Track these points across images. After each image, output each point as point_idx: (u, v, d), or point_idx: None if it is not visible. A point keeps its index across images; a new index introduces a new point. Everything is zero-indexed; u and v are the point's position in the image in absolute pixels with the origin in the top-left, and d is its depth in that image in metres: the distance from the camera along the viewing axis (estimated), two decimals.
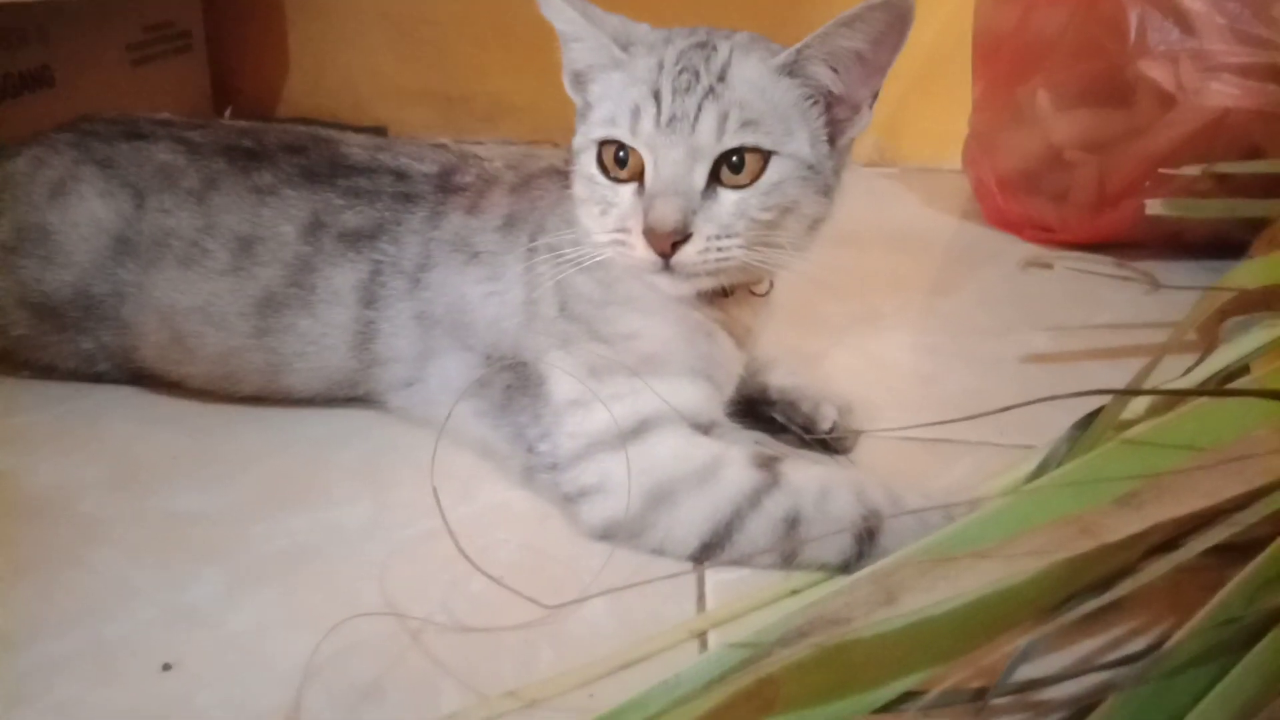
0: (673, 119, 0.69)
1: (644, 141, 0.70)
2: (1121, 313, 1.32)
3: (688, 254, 0.69)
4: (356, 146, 0.93)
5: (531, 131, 2.15)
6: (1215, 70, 1.42)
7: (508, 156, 0.93)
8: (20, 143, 0.96)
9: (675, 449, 0.74)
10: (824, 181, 0.73)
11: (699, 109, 0.69)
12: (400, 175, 0.90)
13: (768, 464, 0.72)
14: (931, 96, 2.04)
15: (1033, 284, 1.44)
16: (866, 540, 0.69)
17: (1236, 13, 1.41)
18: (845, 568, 0.69)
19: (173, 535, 0.73)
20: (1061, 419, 0.97)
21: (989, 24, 1.76)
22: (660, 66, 0.71)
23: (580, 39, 0.75)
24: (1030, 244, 1.63)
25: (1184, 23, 1.44)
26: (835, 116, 0.73)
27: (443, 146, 0.95)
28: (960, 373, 1.09)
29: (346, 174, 0.89)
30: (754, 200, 0.70)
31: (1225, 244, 1.45)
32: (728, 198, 0.70)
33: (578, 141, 0.76)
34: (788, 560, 0.70)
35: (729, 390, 0.83)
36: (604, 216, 0.73)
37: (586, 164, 0.74)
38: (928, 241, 1.66)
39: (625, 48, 0.73)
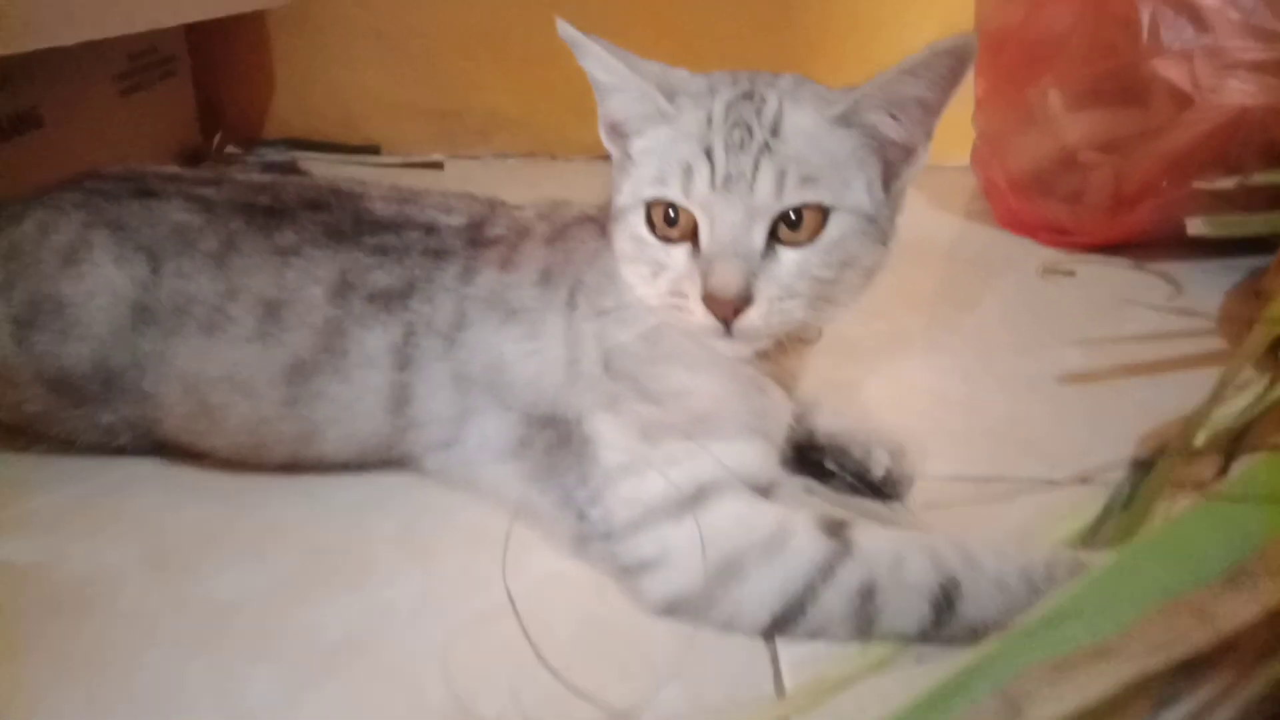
0: (728, 178, 0.66)
1: (698, 202, 0.67)
2: (1148, 321, 1.30)
3: (751, 319, 0.66)
4: (380, 200, 0.89)
5: (527, 145, 2.11)
6: (1231, 68, 1.40)
7: (538, 205, 0.89)
8: (19, 199, 0.92)
9: (739, 516, 0.71)
10: (881, 229, 0.70)
11: (756, 167, 0.66)
12: (429, 229, 0.86)
13: (837, 530, 0.70)
14: None
15: (1054, 291, 1.42)
16: (945, 608, 0.66)
17: (1250, 7, 1.39)
18: (923, 637, 0.67)
19: (220, 627, 0.69)
20: (1108, 445, 0.96)
21: (992, 21, 1.73)
22: (709, 120, 0.68)
23: (623, 89, 0.71)
24: (1045, 247, 1.61)
25: (1197, 19, 1.42)
26: (889, 158, 0.71)
27: (471, 197, 0.91)
28: (997, 396, 1.07)
29: (372, 230, 0.86)
30: (815, 258, 0.67)
31: (1243, 241, 1.44)
32: (788, 257, 0.67)
33: (623, 200, 0.73)
34: (863, 632, 0.67)
35: (780, 442, 0.81)
36: (656, 279, 0.70)
37: (634, 223, 0.71)
38: (941, 247, 1.64)
39: (670, 98, 0.70)
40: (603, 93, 0.74)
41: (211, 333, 0.84)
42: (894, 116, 0.68)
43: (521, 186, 1.93)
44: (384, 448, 0.86)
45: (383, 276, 0.84)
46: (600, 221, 0.83)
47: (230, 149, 1.98)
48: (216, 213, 0.88)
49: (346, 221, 0.87)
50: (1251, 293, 1.30)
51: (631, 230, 0.71)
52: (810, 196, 0.66)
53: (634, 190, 0.71)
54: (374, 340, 0.83)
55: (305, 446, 0.85)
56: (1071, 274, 1.46)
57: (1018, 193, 1.66)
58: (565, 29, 0.69)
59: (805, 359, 0.84)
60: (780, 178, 0.66)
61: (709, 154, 0.67)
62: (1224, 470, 0.85)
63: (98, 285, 0.85)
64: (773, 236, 0.68)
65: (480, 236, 0.86)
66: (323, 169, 1.93)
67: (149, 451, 0.89)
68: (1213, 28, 1.41)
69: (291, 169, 1.87)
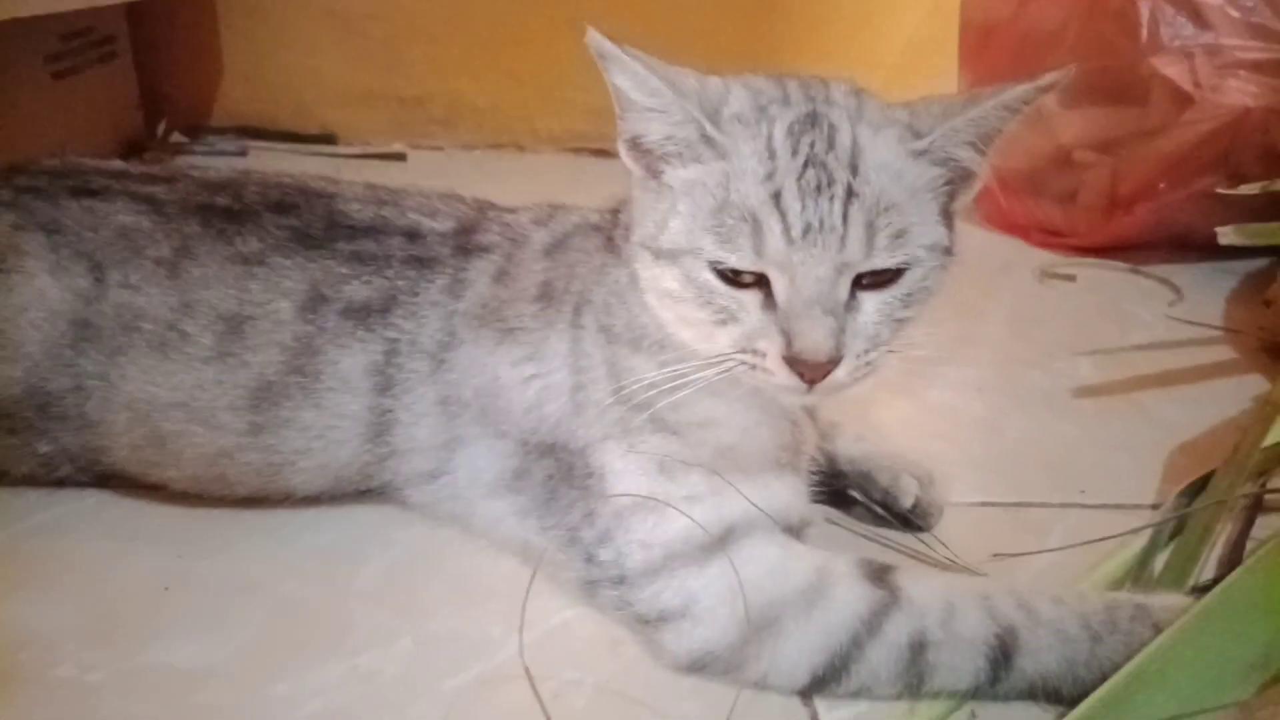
0: (808, 229, 0.57)
1: (772, 261, 0.58)
2: (1153, 328, 1.26)
3: (839, 377, 0.58)
4: (355, 201, 0.79)
5: (494, 136, 2.01)
6: (1232, 67, 1.36)
7: (534, 210, 0.80)
8: None
9: (772, 562, 0.64)
10: (949, 256, 0.63)
11: (845, 219, 0.57)
12: (411, 235, 0.77)
13: (881, 577, 0.63)
14: (912, 88, 1.96)
15: (1054, 297, 1.38)
16: (1002, 661, 0.60)
17: (1251, 6, 1.36)
18: (977, 693, 0.61)
19: (180, 705, 0.60)
20: (1134, 464, 0.91)
21: (978, 15, 1.68)
22: (770, 152, 0.58)
23: (662, 112, 0.61)
24: (1038, 249, 1.56)
25: (1197, 17, 1.38)
26: (954, 181, 0.63)
27: (457, 197, 0.82)
28: (1016, 415, 1.01)
29: (348, 236, 0.77)
30: (897, 301, 0.60)
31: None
32: (869, 303, 0.59)
33: (672, 240, 0.61)
34: (912, 690, 0.61)
35: (807, 475, 0.74)
36: (722, 328, 0.60)
37: (693, 268, 0.60)
38: None
39: (715, 121, 0.60)
40: (633, 112, 0.62)
41: (164, 352, 0.74)
42: (977, 149, 0.61)
43: (489, 181, 1.83)
44: (360, 479, 0.77)
45: (360, 289, 0.75)
46: (604, 230, 0.75)
47: (175, 138, 1.85)
48: (168, 214, 0.78)
49: (318, 225, 0.77)
50: (1260, 301, 1.26)
51: (688, 274, 0.60)
52: (902, 256, 0.58)
53: (688, 234, 0.60)
54: (350, 361, 0.74)
55: (272, 479, 0.76)
56: (1072, 279, 1.41)
57: (1008, 192, 1.61)
58: (596, 40, 0.59)
59: None
60: (870, 231, 0.57)
61: (777, 200, 0.57)
62: (1261, 497, 0.80)
63: (30, 298, 0.74)
64: (853, 283, 0.59)
65: (470, 244, 0.77)
66: (275, 160, 1.82)
67: (95, 483, 0.79)
68: (1213, 25, 1.37)
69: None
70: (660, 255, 0.62)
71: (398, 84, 1.97)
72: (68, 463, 0.77)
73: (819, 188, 0.57)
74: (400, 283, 0.75)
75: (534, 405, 0.72)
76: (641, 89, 0.60)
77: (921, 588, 0.63)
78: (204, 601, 0.69)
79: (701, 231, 0.60)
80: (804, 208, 0.57)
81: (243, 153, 1.83)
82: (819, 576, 0.63)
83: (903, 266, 0.60)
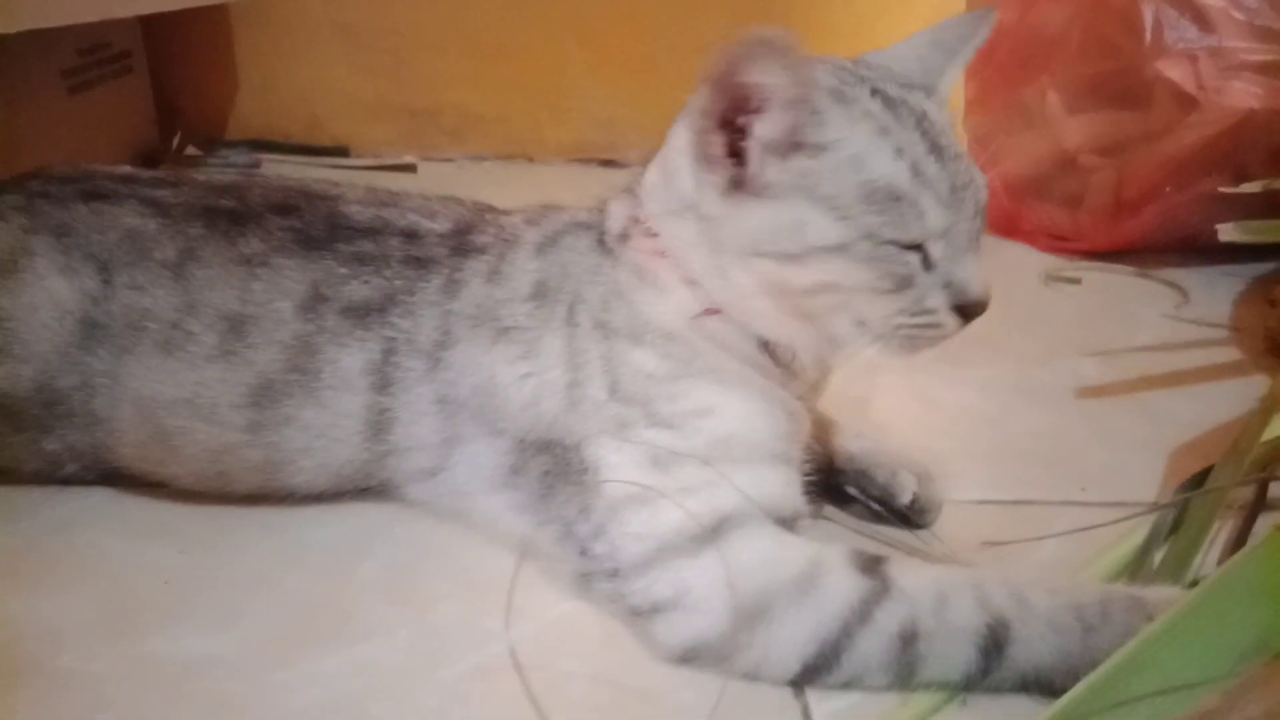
0: (954, 190, 0.64)
1: (934, 230, 0.64)
2: (1158, 329, 1.26)
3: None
4: (356, 204, 0.81)
5: (503, 146, 2.03)
6: (1236, 69, 1.36)
7: (526, 210, 0.81)
8: None
9: (764, 552, 0.64)
10: None
11: (969, 175, 0.65)
12: (409, 236, 0.79)
13: (872, 567, 0.63)
14: None
15: (1061, 299, 1.37)
16: (994, 652, 0.60)
17: (1254, 8, 1.36)
18: (968, 684, 0.61)
19: (184, 694, 0.61)
20: (1136, 462, 0.90)
21: None
22: (883, 130, 0.64)
23: (801, 102, 0.63)
24: (1044, 253, 1.56)
25: (1201, 19, 1.38)
26: None
27: (456, 200, 0.84)
28: (1020, 412, 1.01)
29: (348, 237, 0.78)
30: None
31: (1247, 246, 1.40)
32: None
33: (824, 237, 0.64)
34: (903, 680, 0.61)
35: (800, 468, 0.74)
36: (893, 296, 0.65)
37: (870, 251, 0.63)
38: None
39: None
40: (770, 111, 0.64)
41: (169, 351, 0.75)
42: None
43: (499, 191, 1.83)
44: (362, 476, 0.78)
45: (359, 288, 0.76)
46: (595, 229, 0.76)
47: (190, 150, 1.88)
48: (174, 217, 0.79)
49: (319, 227, 0.79)
50: (1266, 301, 1.25)
51: (865, 257, 0.63)
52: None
53: (847, 225, 0.63)
54: (349, 359, 0.75)
55: (273, 476, 0.77)
56: (1077, 281, 1.41)
57: (1014, 197, 1.61)
58: (771, 33, 0.63)
59: (828, 375, 0.78)
60: (981, 178, 0.67)
61: (917, 172, 0.63)
62: (1263, 492, 0.80)
63: (40, 298, 0.76)
64: None
65: (466, 245, 0.78)
66: (289, 173, 1.84)
67: (100, 481, 0.80)
68: (1216, 28, 1.37)
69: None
70: (805, 255, 0.65)
71: (408, 97, 2.00)
72: (73, 460, 0.79)
73: (938, 151, 0.64)
74: (398, 282, 0.76)
75: (530, 402, 0.73)
76: (793, 82, 0.63)
77: (913, 578, 0.63)
78: (207, 595, 0.70)
79: (864, 217, 0.63)
80: (942, 173, 0.64)
81: (256, 165, 1.85)
82: (811, 566, 0.63)
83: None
